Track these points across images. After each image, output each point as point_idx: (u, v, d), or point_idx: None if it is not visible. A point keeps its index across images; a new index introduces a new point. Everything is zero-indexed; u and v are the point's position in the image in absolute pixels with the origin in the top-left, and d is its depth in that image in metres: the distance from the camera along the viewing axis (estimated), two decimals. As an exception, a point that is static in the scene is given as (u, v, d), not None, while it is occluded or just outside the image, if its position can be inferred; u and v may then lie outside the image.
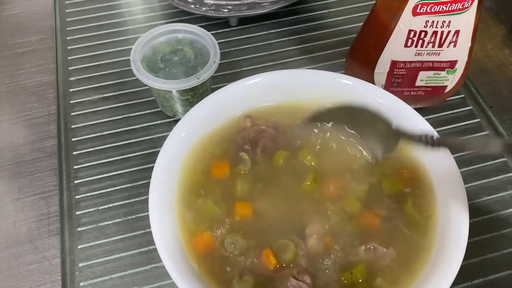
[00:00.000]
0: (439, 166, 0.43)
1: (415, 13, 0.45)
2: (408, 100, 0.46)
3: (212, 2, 0.62)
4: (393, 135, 0.41)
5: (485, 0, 0.68)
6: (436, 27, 0.46)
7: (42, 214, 0.51)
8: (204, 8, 0.62)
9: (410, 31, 0.46)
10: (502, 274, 0.46)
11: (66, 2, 0.69)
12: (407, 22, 0.46)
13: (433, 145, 0.38)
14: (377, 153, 0.44)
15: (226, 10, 0.63)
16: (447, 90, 0.53)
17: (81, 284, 0.46)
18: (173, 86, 0.49)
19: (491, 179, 0.52)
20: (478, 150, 0.40)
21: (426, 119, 0.45)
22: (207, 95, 0.47)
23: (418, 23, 0.46)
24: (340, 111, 0.43)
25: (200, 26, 0.54)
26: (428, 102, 0.55)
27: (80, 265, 0.47)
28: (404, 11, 0.45)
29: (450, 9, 0.44)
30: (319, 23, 0.67)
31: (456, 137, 0.40)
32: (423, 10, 0.45)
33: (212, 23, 0.65)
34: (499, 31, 0.69)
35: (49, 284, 0.47)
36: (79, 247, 0.48)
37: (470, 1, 0.44)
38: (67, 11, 0.68)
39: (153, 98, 0.58)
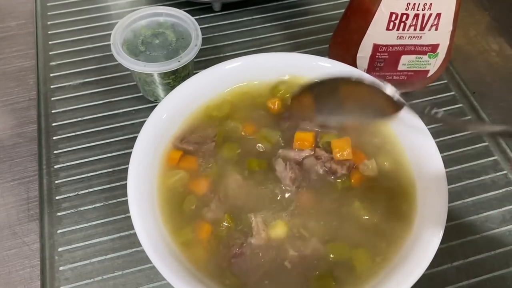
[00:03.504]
0: (419, 149, 0.43)
1: (396, -5, 0.45)
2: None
3: (195, -14, 0.61)
4: (393, 106, 0.40)
5: (468, -14, 0.69)
6: (417, 10, 0.46)
7: (22, 199, 0.51)
8: (187, -7, 0.62)
9: (391, 13, 0.46)
10: (482, 256, 0.47)
11: (47, -13, 0.68)
12: (388, 4, 0.46)
13: (434, 120, 0.39)
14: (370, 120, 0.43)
15: (209, -5, 0.62)
16: (429, 74, 0.53)
17: (61, 268, 0.45)
18: (153, 69, 0.49)
19: (472, 163, 0.53)
20: (475, 130, 0.41)
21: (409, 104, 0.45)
22: (189, 79, 0.46)
23: (399, 5, 0.46)
24: (332, 84, 0.41)
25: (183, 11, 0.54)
26: (411, 86, 0.55)
27: (60, 249, 0.46)
28: (386, -7, 0.45)
29: (431, -9, 0.44)
30: (303, 9, 0.67)
31: (457, 118, 0.41)
32: (405, -8, 0.45)
33: (195, 8, 0.65)
34: (483, 18, 0.69)
35: (28, 269, 0.46)
36: (58, 231, 0.47)
37: (451, -16, 0.44)
38: (48, -5, 0.67)
39: (135, 83, 0.57)
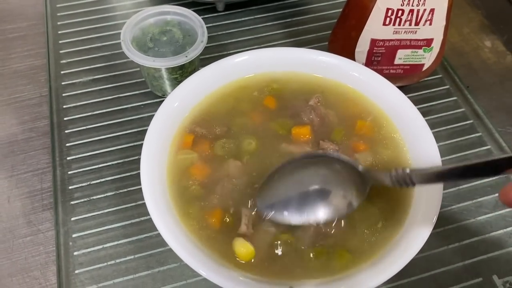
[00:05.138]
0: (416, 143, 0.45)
1: (392, -9, 0.48)
2: (387, 78, 0.49)
3: (200, -13, 0.64)
4: (362, 181, 0.39)
5: (461, -14, 0.72)
6: (412, 6, 0.48)
7: (36, 190, 0.53)
8: (192, -7, 0.64)
9: (388, 9, 0.49)
10: (476, 238, 0.49)
11: (56, -11, 0.71)
12: (385, 0, 0.48)
13: (407, 182, 0.36)
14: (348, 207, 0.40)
15: (213, -5, 0.65)
16: (424, 68, 0.56)
17: (75, 253, 0.47)
18: (162, 64, 0.51)
19: (467, 153, 0.55)
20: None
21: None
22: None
23: (395, 1, 0.48)
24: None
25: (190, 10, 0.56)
26: (407, 80, 0.58)
27: (74, 236, 0.48)
28: (382, -10, 0.48)
29: (425, -12, 0.47)
30: (303, 9, 0.69)
31: (428, 168, 0.36)
32: (400, -11, 0.47)
33: (199, 8, 0.67)
34: (476, 16, 0.72)
35: (43, 255, 0.48)
36: (72, 219, 0.49)
37: (444, -20, 0.47)
38: (57, -3, 0.70)
39: (143, 79, 0.59)
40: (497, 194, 0.52)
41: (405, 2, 0.48)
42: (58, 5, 0.69)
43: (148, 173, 0.41)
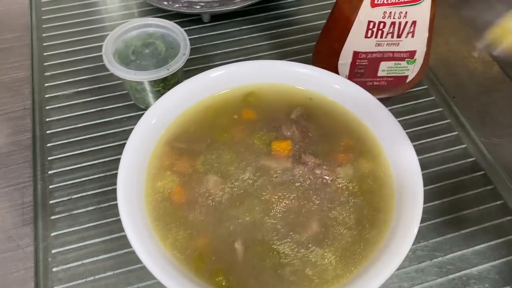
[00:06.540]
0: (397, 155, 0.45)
1: (373, 4, 0.47)
2: (371, 90, 0.49)
3: (185, -1, 0.64)
4: None
5: (448, -3, 0.72)
6: (394, 18, 0.48)
7: (16, 204, 0.52)
8: (177, 5, 0.64)
9: (369, 22, 0.49)
10: (459, 253, 0.48)
11: (42, 1, 0.71)
12: (366, 13, 0.48)
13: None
14: None
15: (198, 7, 0.64)
16: (408, 80, 0.55)
17: (54, 269, 0.47)
18: (143, 77, 0.51)
19: (451, 165, 0.55)
20: None
21: (390, 109, 0.47)
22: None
23: (376, 14, 0.48)
24: None
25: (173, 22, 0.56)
26: (391, 92, 0.57)
27: (53, 251, 0.48)
28: (363, 2, 0.47)
29: (406, 0, 0.47)
30: (289, 20, 0.69)
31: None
32: (381, 1, 0.47)
33: (185, 20, 0.67)
34: (462, 26, 0.71)
35: (22, 271, 0.48)
36: (52, 234, 0.49)
37: (425, -7, 0.47)
38: (43, 9, 0.70)
39: (126, 91, 0.59)
40: (481, 207, 0.51)
41: (387, 15, 0.48)
42: (43, 17, 0.69)
43: (126, 190, 0.40)
